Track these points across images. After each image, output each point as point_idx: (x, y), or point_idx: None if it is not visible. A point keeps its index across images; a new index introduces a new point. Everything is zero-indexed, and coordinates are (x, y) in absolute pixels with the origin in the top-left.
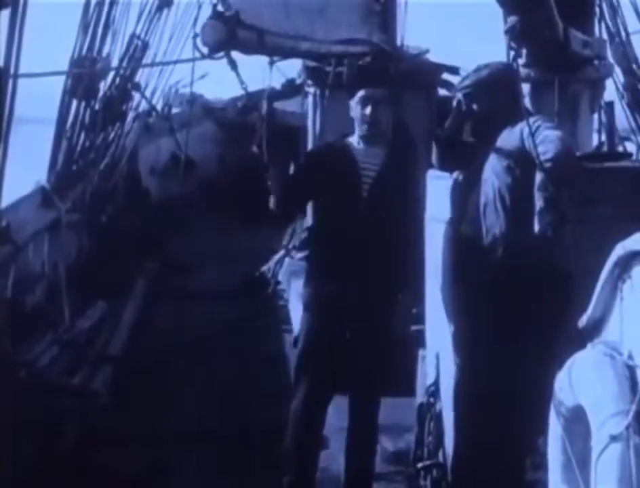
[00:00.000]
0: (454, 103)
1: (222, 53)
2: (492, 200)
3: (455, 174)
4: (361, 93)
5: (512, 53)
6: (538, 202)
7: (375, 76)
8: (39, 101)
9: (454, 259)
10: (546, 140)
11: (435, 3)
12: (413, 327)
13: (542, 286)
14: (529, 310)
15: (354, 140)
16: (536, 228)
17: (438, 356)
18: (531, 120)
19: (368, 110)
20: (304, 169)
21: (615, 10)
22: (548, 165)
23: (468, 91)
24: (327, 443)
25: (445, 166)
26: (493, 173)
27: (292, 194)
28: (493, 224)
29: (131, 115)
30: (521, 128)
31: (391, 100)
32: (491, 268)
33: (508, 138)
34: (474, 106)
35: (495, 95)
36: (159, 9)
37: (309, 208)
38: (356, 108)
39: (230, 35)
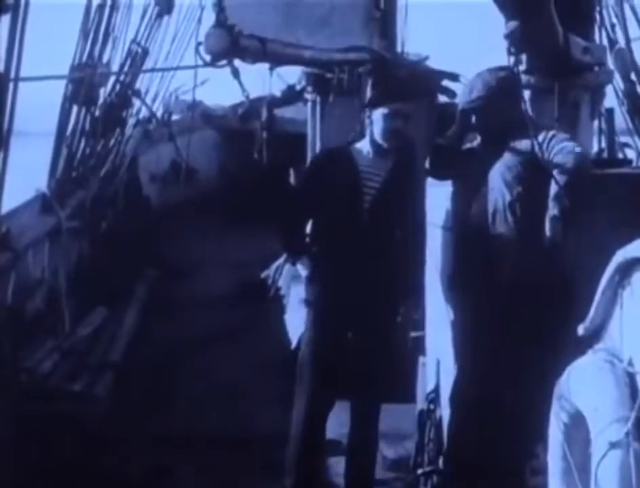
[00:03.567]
0: (458, 112)
1: (224, 62)
2: (502, 209)
3: (455, 181)
4: (390, 107)
5: (512, 58)
6: (552, 211)
7: (405, 91)
8: (40, 113)
9: (456, 266)
10: (564, 151)
11: (436, 9)
12: (415, 334)
13: (548, 293)
14: (533, 317)
15: (363, 148)
16: (547, 234)
17: (439, 362)
18: (545, 131)
19: (397, 124)
20: (306, 185)
21: (621, 16)
22: (566, 175)
23: (479, 104)
24: (343, 448)
25: (441, 174)
26: (502, 181)
27: (297, 216)
28: (503, 233)
29: (131, 122)
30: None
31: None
32: (499, 275)
33: (519, 147)
34: (487, 118)
35: (506, 104)
36: (159, 15)
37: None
38: (382, 120)
39: (233, 44)
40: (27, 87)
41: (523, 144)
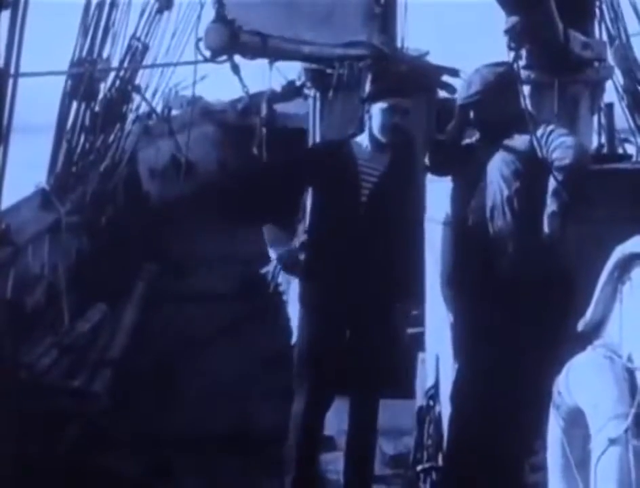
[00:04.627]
0: (457, 107)
1: (224, 57)
2: (500, 204)
3: (454, 177)
4: (389, 101)
5: (512, 53)
6: (551, 206)
7: (404, 86)
8: (41, 108)
9: (455, 261)
10: (563, 146)
11: (436, 5)
12: (414, 330)
13: (547, 289)
14: (532, 313)
15: (362, 142)
16: (546, 230)
17: (438, 358)
18: (543, 125)
19: (395, 119)
20: (301, 165)
21: (615, 12)
22: (565, 171)
23: (477, 99)
24: (336, 445)
25: (440, 169)
26: (500, 176)
27: (283, 184)
28: (501, 228)
29: (131, 117)
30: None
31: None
32: (497, 270)
33: (517, 142)
34: (484, 113)
35: (504, 99)
36: (159, 11)
37: (307, 209)
38: (381, 115)
39: (233, 39)
40: (29, 82)
41: (522, 139)
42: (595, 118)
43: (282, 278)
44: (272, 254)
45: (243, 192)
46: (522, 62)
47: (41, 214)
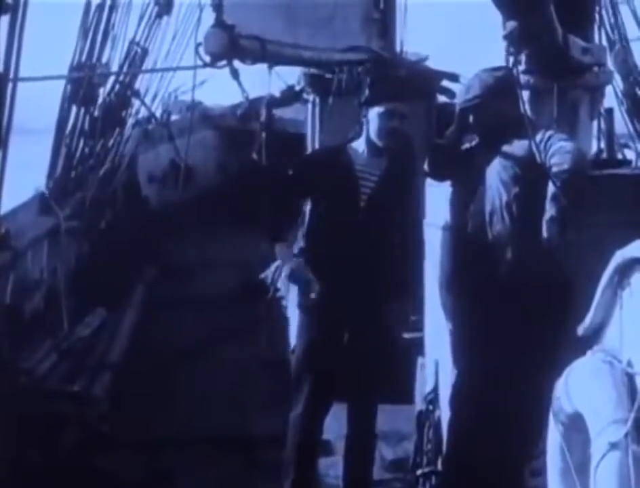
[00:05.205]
0: (457, 111)
1: (224, 62)
2: (499, 208)
3: (453, 181)
4: (386, 106)
5: (511, 58)
6: (550, 211)
7: (401, 90)
8: (40, 110)
9: (455, 266)
10: (562, 151)
11: (436, 9)
12: (413, 335)
13: (546, 294)
14: (531, 318)
15: (358, 147)
16: (545, 234)
17: (437, 363)
18: (543, 130)
19: (393, 123)
20: (300, 173)
21: (615, 17)
22: (564, 175)
23: (476, 103)
24: (332, 449)
25: (440, 174)
26: (499, 181)
27: (285, 196)
28: (500, 232)
29: (130, 122)
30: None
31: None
32: (497, 275)
33: (516, 147)
34: (484, 118)
35: (503, 103)
36: (159, 15)
37: (306, 212)
38: (378, 119)
39: (232, 44)
40: (29, 86)
41: (521, 144)
42: (595, 123)
43: (281, 283)
44: (285, 272)
45: (242, 197)
46: (521, 67)
47: (40, 219)
